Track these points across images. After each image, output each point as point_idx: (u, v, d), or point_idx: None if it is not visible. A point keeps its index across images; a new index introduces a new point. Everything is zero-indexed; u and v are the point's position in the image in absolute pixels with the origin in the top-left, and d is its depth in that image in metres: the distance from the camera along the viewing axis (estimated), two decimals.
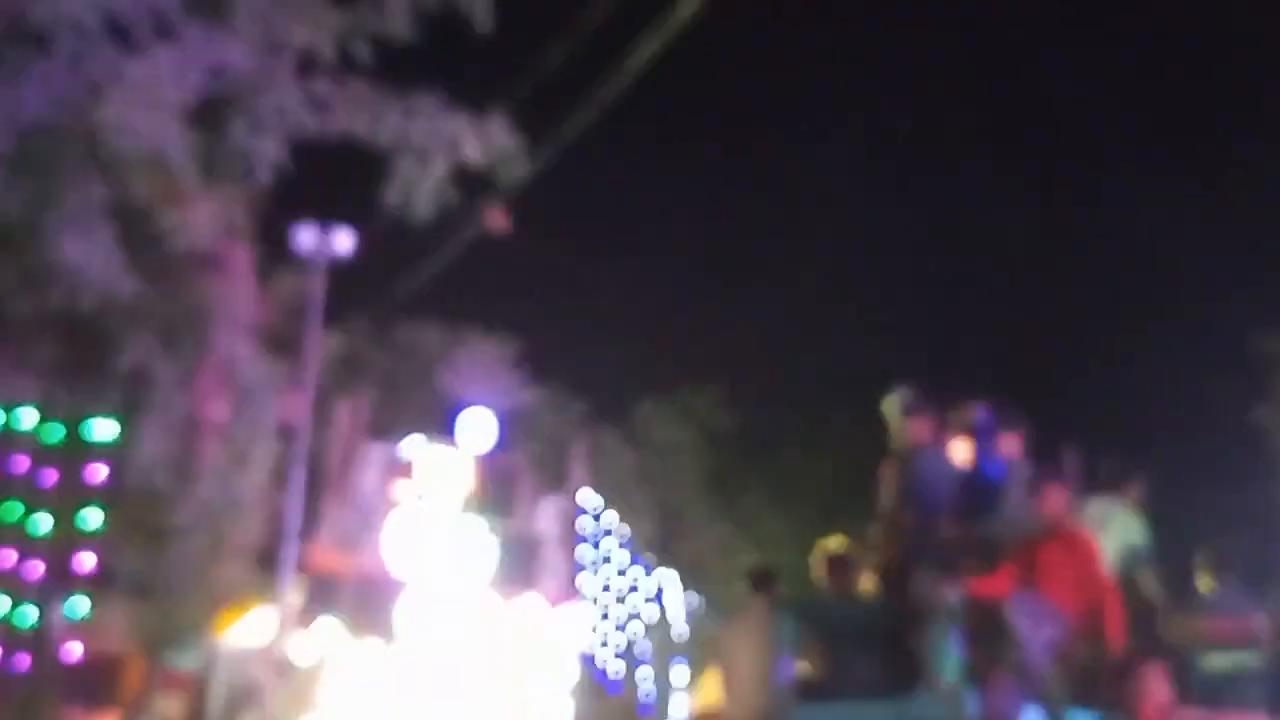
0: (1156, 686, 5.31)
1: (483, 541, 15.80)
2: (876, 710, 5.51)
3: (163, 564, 13.31)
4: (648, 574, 22.52)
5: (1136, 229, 28.34)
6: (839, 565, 6.66)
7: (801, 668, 6.14)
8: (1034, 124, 34.26)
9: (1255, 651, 6.47)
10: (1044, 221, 30.80)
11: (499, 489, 16.29)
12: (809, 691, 5.99)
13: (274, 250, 14.63)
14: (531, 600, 16.09)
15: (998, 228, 31.01)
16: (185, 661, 12.76)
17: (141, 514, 14.24)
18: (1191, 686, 6.40)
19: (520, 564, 16.24)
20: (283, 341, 14.66)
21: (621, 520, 22.42)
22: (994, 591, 5.86)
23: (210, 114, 11.93)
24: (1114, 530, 6.31)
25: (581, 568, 19.35)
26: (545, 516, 16.92)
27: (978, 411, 6.71)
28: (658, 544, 23.61)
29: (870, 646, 5.86)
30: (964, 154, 33.33)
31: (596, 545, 21.72)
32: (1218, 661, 6.52)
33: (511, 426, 18.31)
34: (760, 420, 26.09)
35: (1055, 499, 6.18)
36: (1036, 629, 5.58)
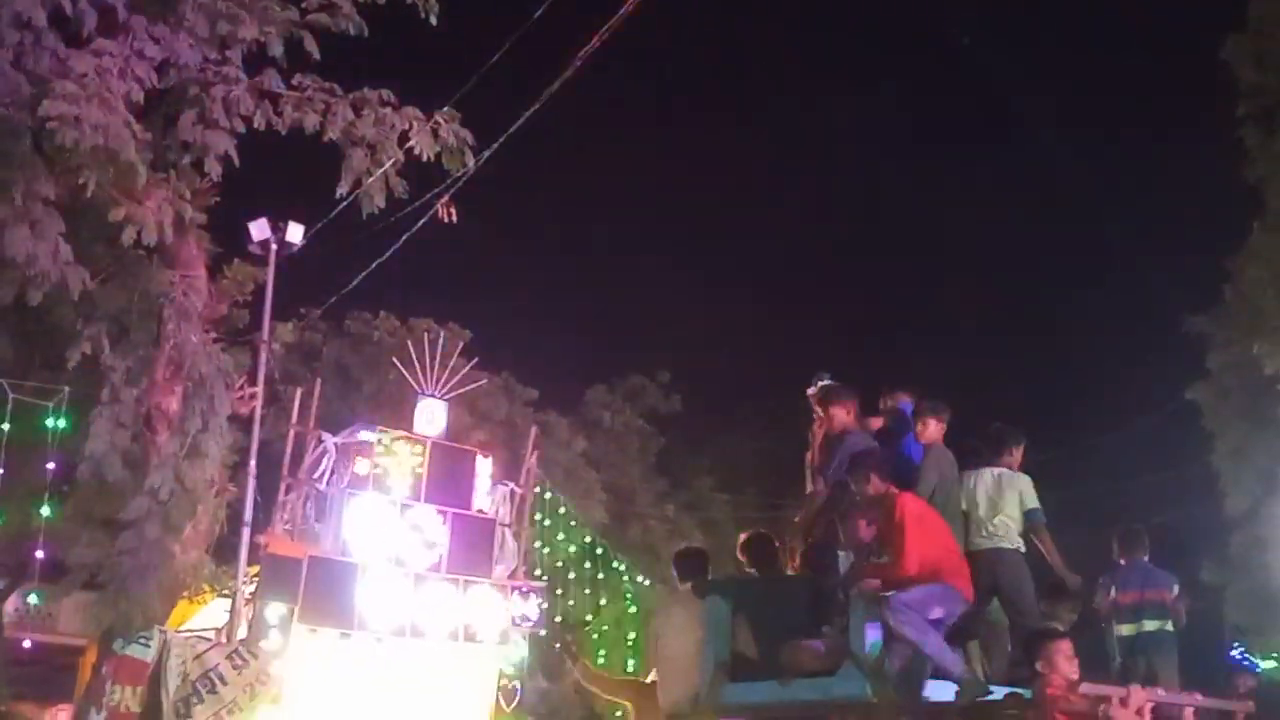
0: (1063, 661, 5.57)
1: (435, 528, 15.95)
2: (802, 688, 5.68)
3: (116, 555, 13.35)
4: (598, 556, 22.78)
5: (1071, 215, 28.93)
6: (760, 547, 6.88)
7: (731, 648, 6.34)
8: (976, 113, 34.78)
9: (1164, 620, 6.85)
10: (981, 211, 31.35)
11: (451, 476, 16.43)
12: (738, 671, 6.18)
13: (226, 243, 14.72)
14: (484, 585, 16.26)
15: (936, 217, 31.53)
16: (139, 652, 12.80)
17: (94, 505, 14.29)
18: (1106, 652, 6.79)
19: (473, 549, 16.40)
20: (235, 333, 14.76)
21: (572, 504, 22.67)
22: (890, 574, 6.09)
23: (159, 107, 11.97)
24: (1011, 495, 6.63)
25: (534, 551, 19.55)
26: (497, 502, 17.08)
27: (900, 398, 7.05)
28: (608, 527, 23.87)
29: (795, 626, 6.08)
30: (898, 149, 33.81)
31: (549, 529, 21.96)
32: (1128, 629, 6.89)
33: (462, 413, 18.48)
34: (708, 404, 26.41)
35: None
36: (921, 620, 5.75)
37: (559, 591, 21.66)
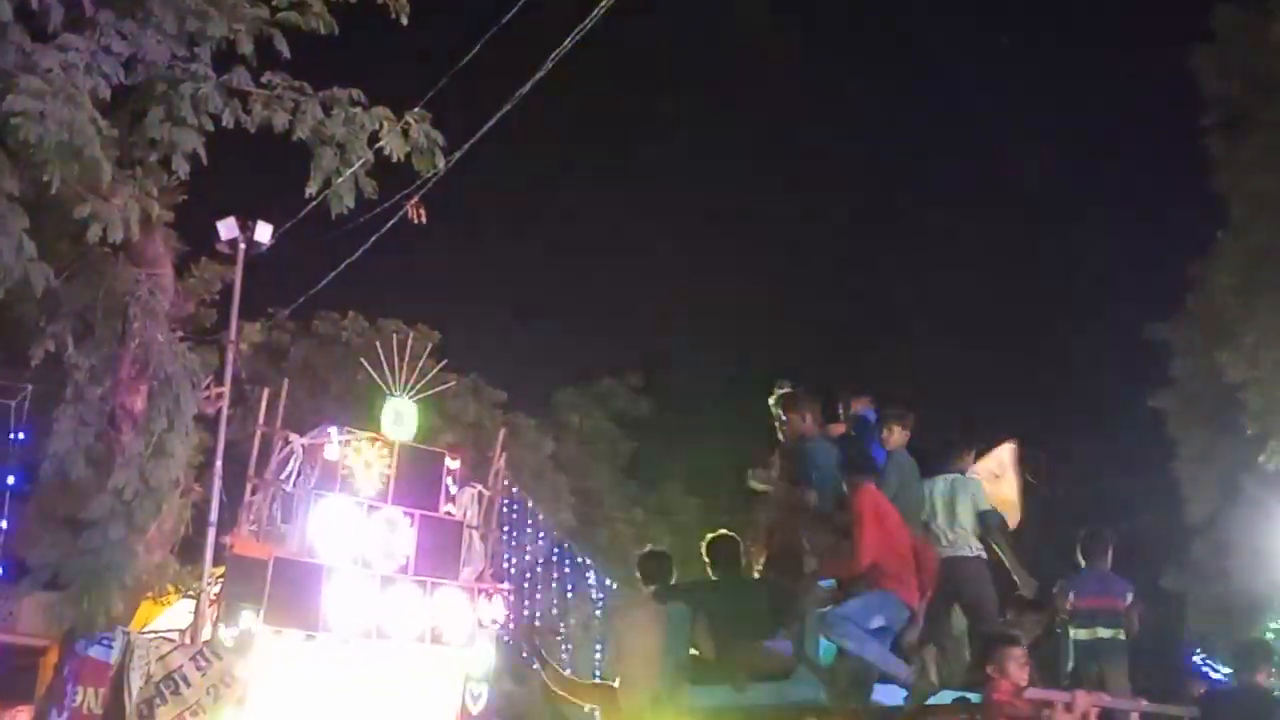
0: (1014, 667, 5.64)
1: (402, 529, 15.89)
2: (760, 691, 5.71)
3: (79, 555, 13.24)
4: (566, 560, 22.76)
5: (1038, 223, 29.13)
6: (723, 550, 6.91)
7: (693, 651, 6.38)
8: (944, 123, 34.99)
9: (1118, 628, 6.95)
10: (950, 218, 31.54)
11: (418, 477, 16.37)
12: (698, 674, 6.23)
13: (194, 242, 14.64)
14: (451, 587, 16.21)
15: (907, 225, 31.71)
16: (102, 653, 12.69)
17: (56, 504, 14.17)
18: (1061, 656, 6.89)
19: (440, 551, 16.34)
20: (202, 332, 14.67)
21: (540, 507, 22.64)
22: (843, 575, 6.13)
23: (126, 104, 11.88)
24: (965, 499, 6.72)
25: (502, 554, 19.51)
26: (465, 504, 17.03)
27: (861, 405, 7.12)
28: (576, 531, 23.86)
29: (755, 630, 6.14)
30: (871, 155, 33.94)
31: (516, 532, 21.92)
32: (1083, 634, 6.98)
33: (431, 415, 18.42)
34: (678, 408, 26.44)
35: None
36: (859, 630, 5.80)
37: (526, 602, 21.65)
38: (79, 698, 12.40)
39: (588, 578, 22.74)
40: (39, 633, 14.22)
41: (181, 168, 11.74)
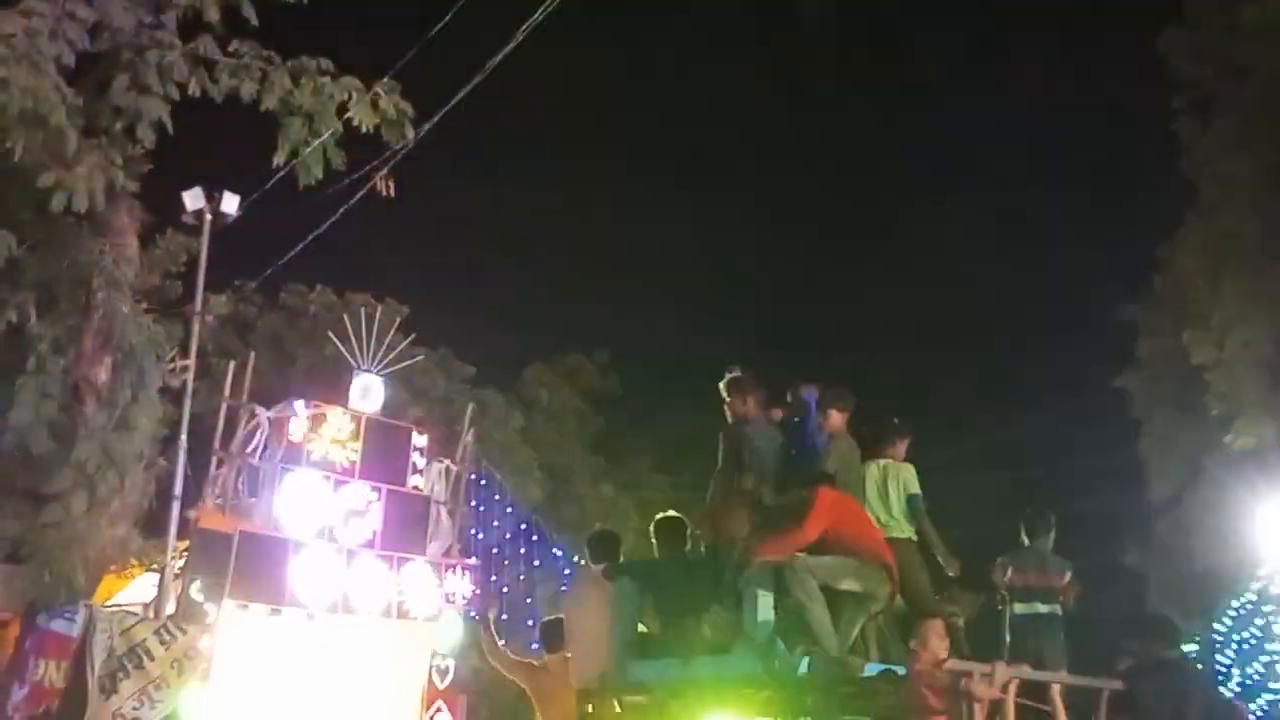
0: (935, 640, 5.77)
1: (369, 504, 15.82)
2: (701, 665, 5.90)
3: (40, 528, 13.12)
4: (534, 536, 22.74)
5: (1005, 204, 29.21)
6: (668, 530, 7.04)
7: (638, 627, 6.52)
8: (912, 102, 35.04)
9: (1055, 604, 7.16)
10: (915, 200, 31.65)
11: (386, 452, 16.30)
12: (644, 649, 6.37)
13: (160, 212, 14.46)
14: (418, 562, 16.18)
15: (872, 204, 31.76)
16: (64, 627, 12.59)
17: (17, 477, 14.01)
18: (1002, 630, 7.08)
19: (407, 526, 16.30)
20: (168, 304, 14.51)
21: (509, 482, 22.61)
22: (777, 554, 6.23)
23: (91, 71, 11.71)
24: (895, 484, 6.87)
25: (470, 529, 19.48)
26: (432, 479, 16.98)
27: (806, 390, 7.24)
28: (544, 506, 23.84)
29: (698, 606, 6.27)
30: (838, 138, 33.97)
31: (483, 508, 21.89)
32: (1021, 609, 7.19)
33: (399, 389, 18.33)
34: (647, 384, 26.45)
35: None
36: (814, 586, 5.94)
37: (493, 577, 21.62)
38: (40, 671, 12.32)
39: (555, 553, 22.72)
40: (0, 606, 14.08)
41: (147, 136, 11.61)
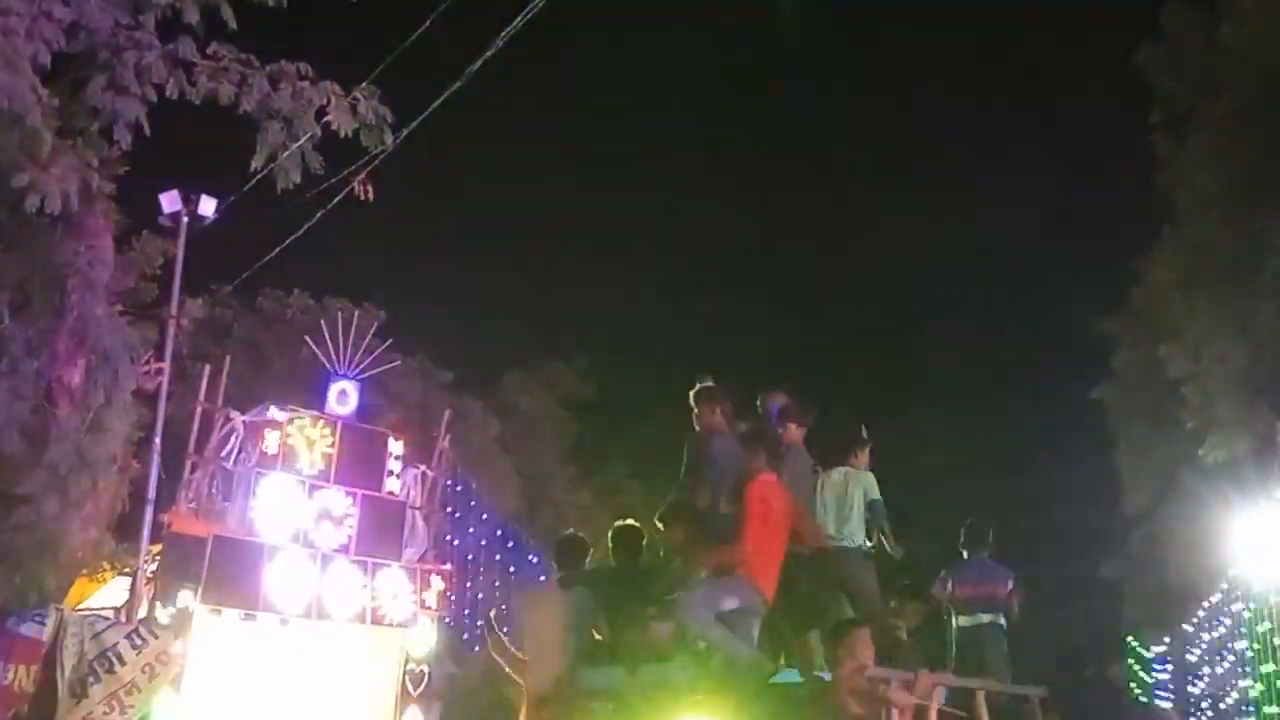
0: (861, 648, 5.90)
1: (344, 509, 15.77)
2: (648, 671, 6.10)
3: (11, 530, 13.00)
4: (510, 543, 22.70)
5: (983, 216, 29.36)
6: (625, 539, 7.14)
7: (592, 635, 6.65)
8: (889, 120, 35.19)
9: (996, 613, 7.30)
10: (899, 219, 31.80)
11: (362, 457, 16.26)
12: (597, 656, 6.50)
13: (136, 215, 14.38)
14: (393, 567, 16.13)
15: (852, 214, 31.88)
16: (34, 630, 12.48)
17: None
18: (945, 642, 7.22)
19: (382, 531, 16.25)
20: (143, 306, 14.43)
21: (485, 489, 22.57)
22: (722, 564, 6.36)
23: (67, 72, 11.63)
24: (856, 492, 6.98)
25: (445, 536, 19.42)
26: (408, 485, 16.94)
27: (776, 399, 7.35)
28: (521, 513, 23.81)
29: (645, 614, 6.41)
30: (814, 140, 34.08)
31: (459, 514, 21.83)
32: (964, 621, 7.33)
33: (375, 395, 18.27)
34: (621, 392, 26.45)
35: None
36: (708, 614, 6.10)
37: (469, 584, 21.57)
38: (10, 675, 12.20)
39: (531, 559, 22.67)
40: None
41: (123, 138, 11.51)
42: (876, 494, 7.05)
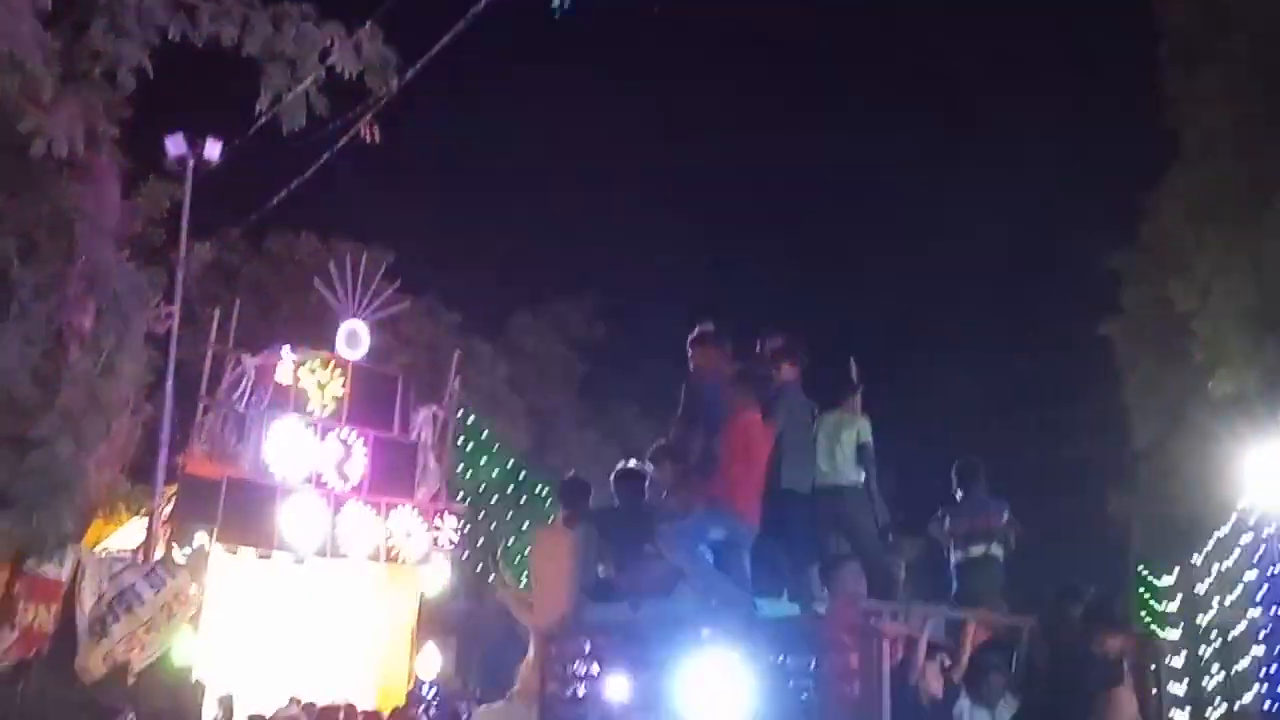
0: (851, 582, 6.04)
1: (356, 450, 15.91)
2: (649, 607, 6.28)
3: (27, 474, 13.13)
4: (521, 480, 22.88)
5: (991, 151, 29.15)
6: (626, 481, 7.28)
7: (597, 572, 6.83)
8: (895, 50, 34.81)
9: (990, 544, 7.40)
10: (909, 158, 31.55)
11: (372, 398, 16.38)
12: (602, 593, 6.68)
13: (143, 159, 14.38)
14: (406, 507, 16.30)
15: (859, 150, 31.67)
16: (53, 572, 12.67)
17: (3, 423, 14.01)
18: (945, 574, 7.33)
19: (394, 472, 16.41)
20: (151, 251, 14.46)
21: (495, 429, 22.70)
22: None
23: (68, 15, 11.56)
24: (849, 434, 7.05)
25: (456, 475, 19.61)
26: (419, 425, 17.07)
27: (776, 342, 7.41)
28: (530, 452, 23.94)
29: (649, 551, 6.56)
30: (822, 83, 33.79)
31: (471, 453, 21.99)
32: (959, 556, 7.43)
33: (385, 337, 18.35)
34: (630, 332, 26.44)
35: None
36: (691, 547, 6.25)
37: (481, 515, 21.75)
38: (30, 615, 12.41)
39: (542, 497, 22.84)
40: None
41: (127, 81, 11.44)
42: (867, 437, 7.13)
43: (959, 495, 7.76)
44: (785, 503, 6.82)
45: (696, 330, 7.40)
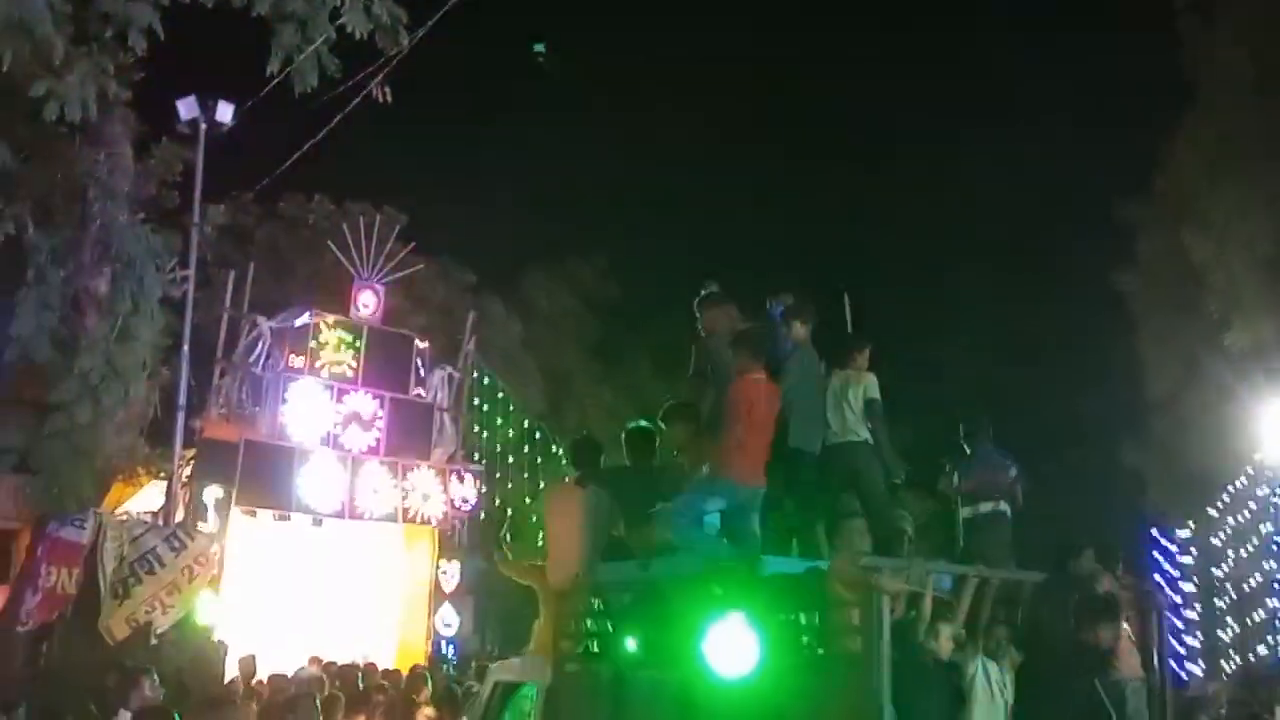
0: (856, 538, 6.11)
1: (372, 412, 15.97)
2: (658, 564, 6.38)
3: (47, 438, 13.22)
4: (537, 439, 22.91)
5: (1005, 101, 28.91)
6: (637, 440, 7.34)
7: (608, 532, 6.90)
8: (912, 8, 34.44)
9: (998, 501, 7.42)
10: (915, 100, 31.29)
11: (388, 360, 16.42)
12: (612, 553, 6.80)
13: (155, 122, 14.36)
14: (422, 468, 16.38)
15: (871, 104, 31.44)
16: (74, 534, 12.76)
17: (22, 387, 14.10)
18: (954, 531, 7.38)
19: (411, 433, 16.48)
20: (165, 214, 14.46)
21: (510, 389, 22.72)
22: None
23: None
24: (856, 390, 7.08)
25: (472, 434, 19.67)
26: (435, 386, 17.11)
27: (784, 300, 7.41)
28: (546, 411, 23.97)
29: (660, 510, 6.64)
30: (837, 30, 33.51)
31: (487, 413, 22.02)
32: (967, 512, 7.46)
33: (399, 298, 18.36)
34: (643, 291, 26.37)
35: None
36: (689, 521, 6.33)
37: (497, 475, 21.82)
38: (53, 577, 12.49)
39: (558, 456, 22.91)
40: (10, 515, 14.25)
41: (138, 44, 11.38)
42: (875, 394, 7.15)
43: (967, 451, 7.78)
44: (794, 461, 6.85)
45: (702, 291, 7.41)
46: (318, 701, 8.48)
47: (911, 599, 6.09)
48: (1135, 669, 6.75)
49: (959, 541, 7.56)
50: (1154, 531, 23.65)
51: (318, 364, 15.61)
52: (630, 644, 6.31)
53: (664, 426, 7.28)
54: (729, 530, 6.55)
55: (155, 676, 7.18)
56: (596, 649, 6.68)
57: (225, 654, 12.40)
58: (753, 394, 6.53)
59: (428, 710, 9.59)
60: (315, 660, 12.62)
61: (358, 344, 16.02)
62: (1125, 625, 6.56)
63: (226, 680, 11.78)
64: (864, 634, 5.25)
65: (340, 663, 12.87)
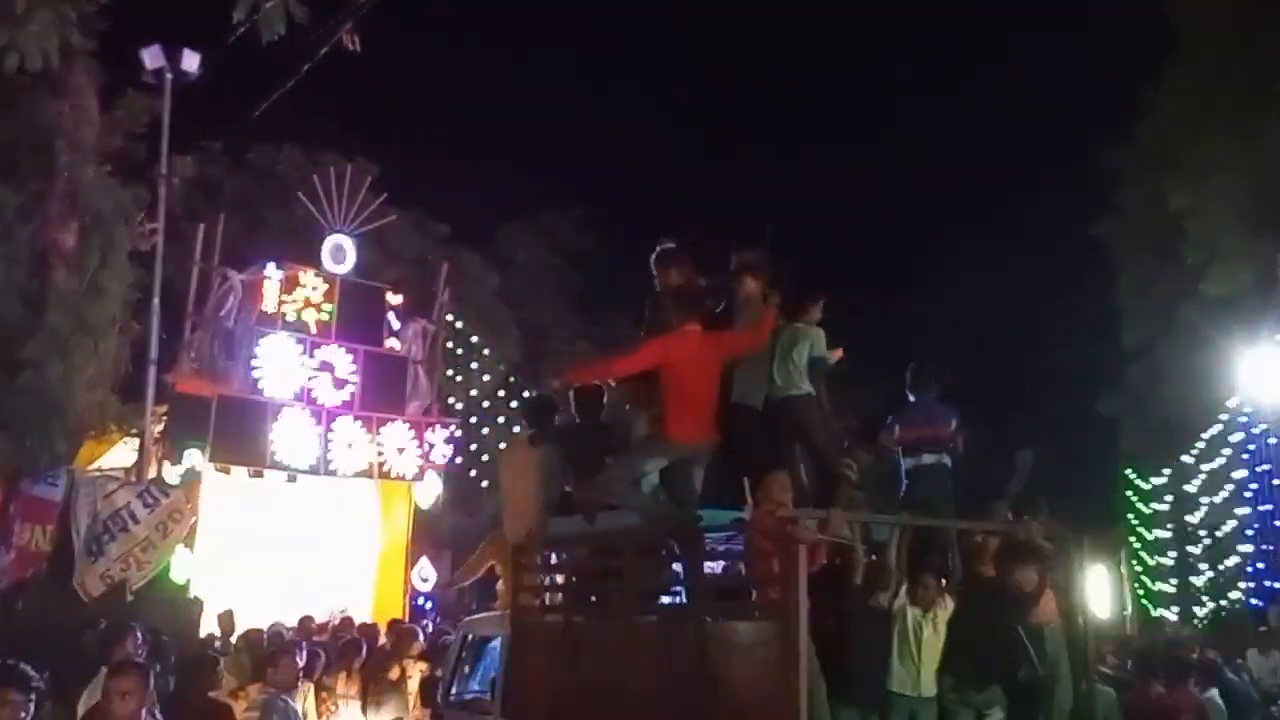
0: (778, 490, 6.16)
1: (345, 366, 15.83)
2: (602, 520, 6.55)
3: (17, 395, 13.06)
4: (516, 389, 22.85)
5: (982, 55, 28.76)
6: (586, 398, 7.44)
7: (560, 488, 7.17)
8: None
9: (940, 453, 7.49)
10: (897, 59, 31.10)
11: (361, 313, 16.26)
12: (564, 508, 7.01)
13: (120, 73, 14.07)
14: (397, 422, 16.28)
15: (849, 59, 31.26)
16: (47, 491, 12.65)
17: None
18: (897, 482, 7.46)
19: (385, 387, 16.36)
20: (133, 167, 14.22)
21: (486, 342, 22.61)
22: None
23: None
24: (803, 345, 7.08)
25: (447, 382, 19.58)
26: (409, 340, 16.98)
27: (747, 256, 7.40)
28: (522, 364, 23.89)
29: (608, 465, 6.70)
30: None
31: (462, 366, 21.93)
32: (909, 463, 7.53)
33: (372, 251, 18.15)
34: (621, 243, 26.21)
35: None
36: (628, 485, 6.42)
37: (473, 420, 21.76)
38: (26, 535, 12.40)
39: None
40: None
41: None
42: (821, 350, 7.14)
43: (911, 399, 7.80)
44: (736, 415, 6.87)
45: (657, 249, 7.36)
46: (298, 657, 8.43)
47: (840, 548, 6.20)
48: (1054, 614, 6.82)
49: (899, 490, 7.63)
50: (1127, 478, 23.80)
51: (289, 317, 15.44)
52: (581, 596, 6.60)
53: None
54: (668, 485, 6.62)
55: (140, 633, 7.14)
56: (549, 601, 6.93)
57: (201, 610, 12.34)
58: (691, 347, 6.54)
59: (421, 665, 9.65)
60: (299, 619, 12.54)
61: (330, 297, 15.86)
62: (1049, 572, 6.63)
63: (202, 635, 11.73)
64: (782, 583, 5.32)
65: (318, 618, 12.84)
